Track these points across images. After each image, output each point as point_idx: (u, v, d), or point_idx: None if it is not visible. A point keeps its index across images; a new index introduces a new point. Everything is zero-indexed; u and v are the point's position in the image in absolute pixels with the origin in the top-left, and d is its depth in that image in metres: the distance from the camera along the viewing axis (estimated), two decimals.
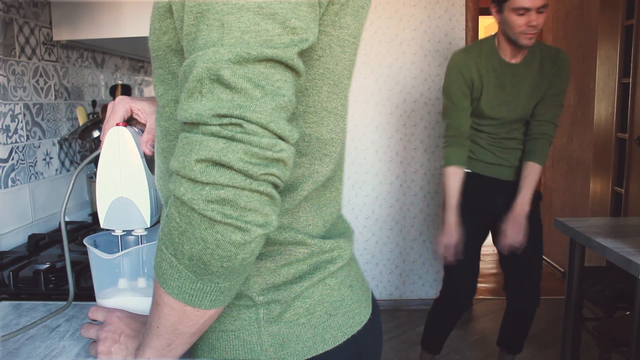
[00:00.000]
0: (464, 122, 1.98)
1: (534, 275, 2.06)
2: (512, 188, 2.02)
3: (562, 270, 3.48)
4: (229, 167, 0.47)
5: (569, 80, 1.98)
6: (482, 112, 1.97)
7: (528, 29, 1.79)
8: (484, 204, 2.07)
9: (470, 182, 2.03)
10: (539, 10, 1.78)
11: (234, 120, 0.47)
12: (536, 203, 2.04)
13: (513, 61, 1.93)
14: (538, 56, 1.94)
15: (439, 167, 2.13)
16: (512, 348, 2.25)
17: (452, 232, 1.99)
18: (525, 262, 2.04)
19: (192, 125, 0.50)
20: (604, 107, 3.11)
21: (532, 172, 1.96)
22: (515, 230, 1.95)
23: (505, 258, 2.08)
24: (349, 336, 0.64)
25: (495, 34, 1.95)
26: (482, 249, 2.18)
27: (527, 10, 1.77)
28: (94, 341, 0.71)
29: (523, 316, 2.12)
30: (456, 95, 1.96)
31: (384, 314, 3.03)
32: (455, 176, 1.98)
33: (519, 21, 1.79)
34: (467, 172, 2.05)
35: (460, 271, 2.06)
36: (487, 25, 5.74)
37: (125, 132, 0.75)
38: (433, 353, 2.25)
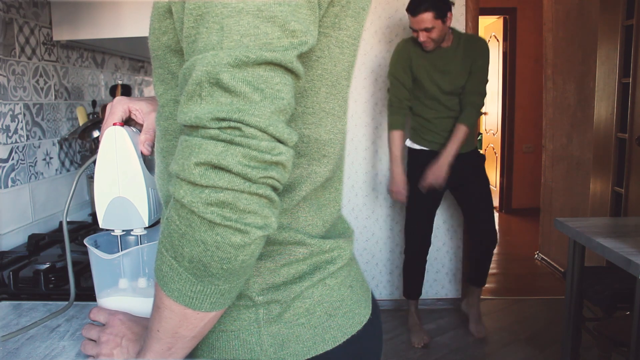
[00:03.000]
0: (405, 95, 2.58)
1: (490, 220, 2.69)
2: (456, 160, 2.55)
3: (562, 270, 3.47)
4: (228, 170, 0.47)
5: (489, 58, 2.55)
6: (422, 84, 2.53)
7: (420, 41, 2.43)
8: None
9: (421, 157, 2.63)
10: (426, 29, 2.39)
11: (232, 124, 0.47)
12: (481, 162, 2.72)
13: (443, 45, 2.51)
14: (462, 42, 2.53)
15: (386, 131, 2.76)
16: (478, 282, 2.82)
17: (398, 180, 2.60)
18: (480, 211, 2.67)
19: (192, 128, 0.50)
20: (604, 107, 3.11)
21: (458, 131, 2.51)
22: (435, 174, 2.51)
23: (466, 211, 2.72)
24: (349, 336, 0.64)
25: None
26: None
27: (414, 30, 2.43)
28: (89, 340, 0.71)
29: (485, 253, 2.71)
30: (398, 71, 2.56)
31: (384, 314, 3.04)
32: (398, 137, 2.60)
33: (415, 34, 2.45)
34: (417, 149, 2.66)
35: (416, 231, 2.69)
36: (488, 25, 5.74)
37: (122, 132, 0.75)
38: (414, 298, 2.80)
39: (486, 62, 2.55)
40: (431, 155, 2.59)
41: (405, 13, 2.97)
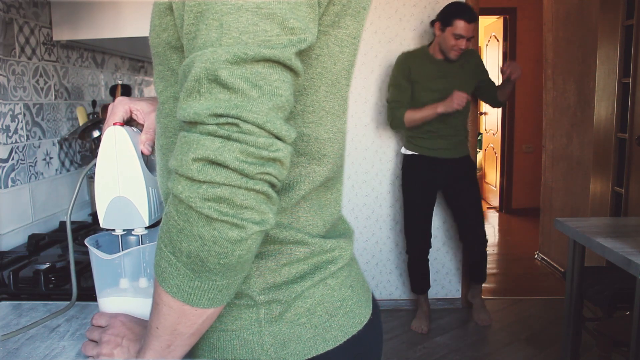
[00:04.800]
0: (405, 98, 2.67)
1: (480, 224, 2.81)
2: (448, 164, 2.72)
3: (562, 270, 3.48)
4: (225, 166, 0.48)
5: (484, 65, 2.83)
6: (420, 98, 2.65)
7: (457, 48, 2.55)
8: (428, 178, 2.76)
9: (417, 162, 2.75)
10: (469, 39, 2.54)
11: (230, 120, 0.48)
12: (473, 169, 2.84)
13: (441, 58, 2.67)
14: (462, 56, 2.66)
15: (388, 125, 2.90)
16: (479, 279, 2.98)
17: (446, 102, 2.56)
18: (471, 215, 2.80)
19: (190, 124, 0.50)
20: (604, 107, 3.11)
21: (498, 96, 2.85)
22: (459, 96, 2.54)
23: (456, 215, 2.86)
24: (350, 336, 0.64)
25: (431, 43, 2.69)
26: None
27: (461, 37, 2.51)
28: (89, 341, 0.71)
29: (479, 254, 2.87)
30: (398, 78, 2.67)
31: (384, 314, 3.04)
32: (410, 111, 2.63)
33: (452, 42, 2.54)
34: (414, 155, 2.76)
35: (416, 230, 2.82)
36: (487, 25, 5.74)
37: (123, 132, 0.76)
38: (424, 293, 2.93)
39: (485, 69, 2.84)
40: (425, 160, 2.73)
41: (405, 13, 2.98)
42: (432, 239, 3.13)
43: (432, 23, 2.71)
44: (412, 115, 2.62)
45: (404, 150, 2.83)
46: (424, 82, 2.64)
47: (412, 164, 2.78)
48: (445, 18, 2.54)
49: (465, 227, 2.83)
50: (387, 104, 2.76)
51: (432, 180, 2.77)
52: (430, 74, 2.64)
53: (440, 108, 2.55)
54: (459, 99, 2.50)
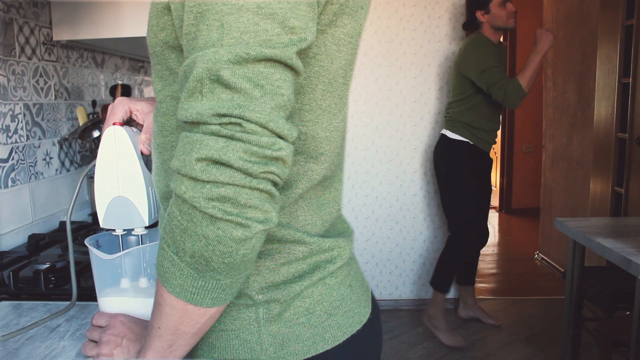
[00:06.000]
0: (505, 73, 2.56)
1: (486, 221, 2.87)
2: (488, 161, 2.76)
3: (562, 270, 3.47)
4: (229, 166, 0.48)
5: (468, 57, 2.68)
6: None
7: (512, 14, 2.54)
8: (477, 166, 2.74)
9: (472, 150, 2.67)
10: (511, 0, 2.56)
11: (233, 120, 0.48)
12: (489, 166, 2.80)
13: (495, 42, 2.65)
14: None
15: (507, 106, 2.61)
16: (471, 281, 2.96)
17: (542, 42, 2.46)
18: (482, 211, 2.81)
19: (193, 124, 0.50)
20: (604, 107, 3.11)
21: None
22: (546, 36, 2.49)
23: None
24: (349, 336, 0.64)
25: (480, 32, 2.63)
26: (481, 249, 2.88)
27: (507, 1, 2.53)
28: (89, 341, 0.71)
29: (478, 252, 2.91)
30: (489, 60, 2.52)
31: (384, 314, 3.03)
32: (520, 74, 2.47)
33: (504, 11, 2.53)
34: (469, 143, 2.66)
35: (478, 217, 2.71)
36: None
37: (122, 132, 0.76)
38: (445, 292, 2.75)
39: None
40: (476, 151, 2.67)
41: (405, 13, 2.98)
42: (432, 239, 3.14)
43: (467, 24, 2.70)
44: (524, 76, 2.45)
45: (453, 136, 2.69)
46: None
47: (468, 152, 2.67)
48: (481, 0, 2.55)
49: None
50: (491, 88, 2.50)
51: (480, 171, 2.75)
52: (495, 57, 2.57)
53: (543, 47, 2.44)
54: (546, 34, 2.44)
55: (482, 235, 2.83)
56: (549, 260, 3.88)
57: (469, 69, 2.58)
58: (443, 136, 2.75)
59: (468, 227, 2.69)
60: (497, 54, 2.59)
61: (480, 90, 2.59)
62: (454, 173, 2.70)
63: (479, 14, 2.58)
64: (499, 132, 5.50)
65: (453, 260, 2.73)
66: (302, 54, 0.57)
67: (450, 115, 2.73)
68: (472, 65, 2.56)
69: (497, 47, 2.62)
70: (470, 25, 2.68)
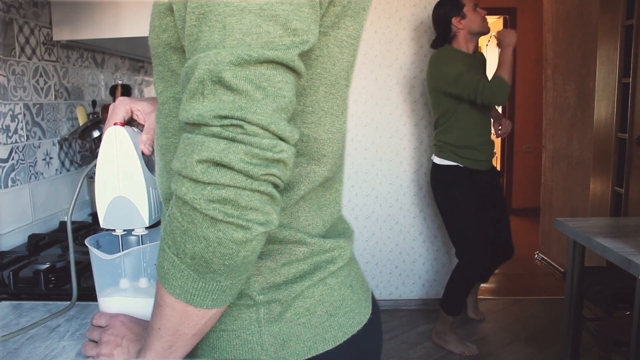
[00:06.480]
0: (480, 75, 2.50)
1: (509, 232, 2.77)
2: (488, 176, 2.66)
3: (562, 270, 3.47)
4: (230, 168, 0.48)
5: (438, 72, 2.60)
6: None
7: (484, 16, 2.51)
8: (482, 187, 2.62)
9: (467, 175, 2.58)
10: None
11: (234, 122, 0.48)
12: (498, 179, 2.80)
13: (471, 52, 2.58)
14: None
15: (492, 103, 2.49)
16: (486, 279, 2.98)
17: (506, 38, 2.47)
18: (503, 225, 2.74)
19: (194, 126, 0.50)
20: (604, 107, 3.11)
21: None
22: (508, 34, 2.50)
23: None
24: (349, 336, 0.64)
25: (449, 45, 2.57)
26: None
27: (476, 5, 2.51)
28: (89, 341, 0.71)
29: (500, 261, 2.81)
30: (461, 66, 2.45)
31: (384, 314, 3.03)
32: (498, 71, 2.42)
33: (477, 16, 2.50)
34: (461, 167, 2.57)
35: (482, 239, 2.58)
36: None
37: (123, 132, 0.76)
38: (455, 314, 2.65)
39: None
40: (468, 172, 2.56)
41: (405, 13, 2.98)
42: (432, 239, 3.14)
43: (437, 42, 2.60)
44: (502, 71, 2.40)
45: (441, 161, 2.60)
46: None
47: (460, 176, 2.57)
48: (454, 6, 2.49)
49: (498, 236, 2.71)
50: (473, 91, 2.40)
51: (480, 191, 2.61)
52: (467, 64, 2.50)
53: (510, 42, 2.43)
54: (507, 31, 2.46)
55: (506, 250, 2.75)
56: (549, 260, 3.88)
57: (442, 81, 2.48)
58: (433, 163, 2.67)
59: (474, 251, 2.57)
60: (471, 63, 2.51)
61: (460, 102, 2.49)
62: (449, 200, 2.61)
63: (455, 21, 2.50)
64: None
65: (462, 284, 2.62)
66: (305, 56, 0.57)
67: (436, 138, 2.64)
68: (445, 76, 2.47)
69: (471, 57, 2.54)
70: (441, 41, 2.58)
